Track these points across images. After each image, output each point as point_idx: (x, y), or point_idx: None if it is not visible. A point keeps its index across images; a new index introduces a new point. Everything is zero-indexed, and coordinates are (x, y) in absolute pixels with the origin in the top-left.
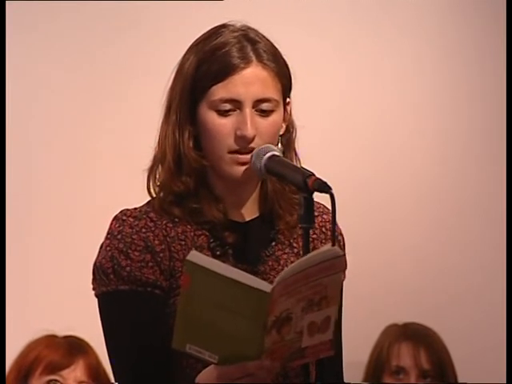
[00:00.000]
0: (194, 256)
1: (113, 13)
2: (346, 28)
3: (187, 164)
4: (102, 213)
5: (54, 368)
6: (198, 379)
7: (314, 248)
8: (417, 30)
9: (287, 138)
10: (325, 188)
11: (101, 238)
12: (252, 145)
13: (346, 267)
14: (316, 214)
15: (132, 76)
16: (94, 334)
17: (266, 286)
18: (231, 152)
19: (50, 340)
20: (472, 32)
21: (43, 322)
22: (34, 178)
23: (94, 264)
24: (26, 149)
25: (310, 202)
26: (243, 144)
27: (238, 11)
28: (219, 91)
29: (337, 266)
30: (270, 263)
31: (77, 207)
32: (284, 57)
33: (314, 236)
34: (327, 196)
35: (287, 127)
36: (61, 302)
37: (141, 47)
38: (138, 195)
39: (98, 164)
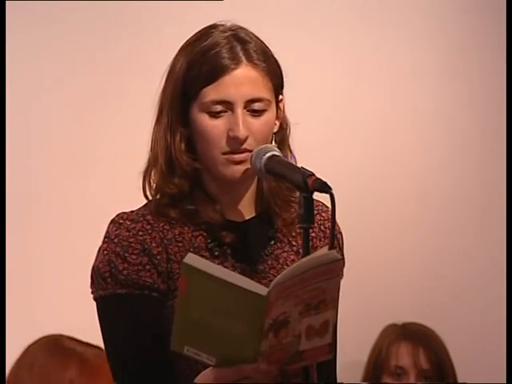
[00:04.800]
0: (191, 258)
1: (113, 13)
2: (346, 28)
3: (179, 167)
4: (103, 212)
5: None
6: (196, 381)
7: (313, 246)
8: (417, 29)
9: (281, 136)
10: (325, 188)
11: (99, 240)
12: (245, 146)
13: (343, 266)
14: (315, 212)
15: (132, 76)
16: (95, 334)
17: (262, 290)
18: (225, 153)
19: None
20: (472, 32)
21: (44, 322)
22: (32, 180)
23: (92, 268)
24: (25, 149)
25: (309, 201)
26: (236, 145)
27: (238, 11)
28: (210, 93)
29: (334, 269)
30: (270, 262)
31: (78, 206)
32: (275, 55)
33: (313, 234)
34: (327, 196)
35: (281, 124)
36: (62, 303)
37: (141, 47)
38: (139, 194)
39: (97, 166)
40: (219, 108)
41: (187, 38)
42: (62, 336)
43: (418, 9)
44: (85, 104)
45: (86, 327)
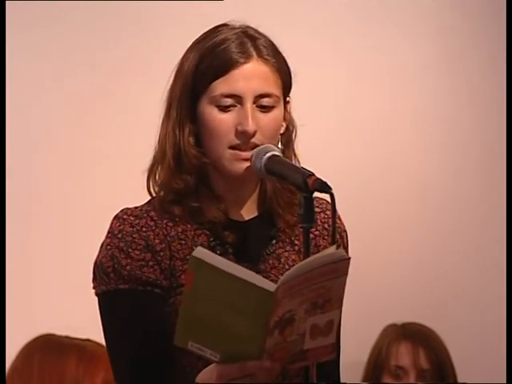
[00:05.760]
0: (200, 252)
1: (113, 13)
2: (346, 28)
3: (187, 161)
4: (103, 211)
5: None
6: (198, 378)
7: (316, 245)
8: (417, 29)
9: (287, 137)
10: (325, 188)
11: (99, 239)
12: (253, 140)
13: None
14: (318, 210)
15: (132, 76)
16: (96, 333)
17: (270, 286)
18: (232, 148)
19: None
20: (472, 32)
21: (44, 321)
22: (33, 178)
23: (95, 263)
24: (26, 149)
25: (310, 201)
26: (244, 139)
27: (239, 11)
28: (220, 86)
29: (341, 269)
30: (271, 261)
31: (78, 206)
32: (283, 54)
33: (316, 233)
34: (327, 196)
35: (287, 126)
36: (62, 301)
37: (141, 47)
38: (139, 194)
39: (100, 163)
40: (229, 102)
41: (195, 38)
42: (56, 335)
43: (418, 9)
44: (85, 104)
45: (87, 326)
